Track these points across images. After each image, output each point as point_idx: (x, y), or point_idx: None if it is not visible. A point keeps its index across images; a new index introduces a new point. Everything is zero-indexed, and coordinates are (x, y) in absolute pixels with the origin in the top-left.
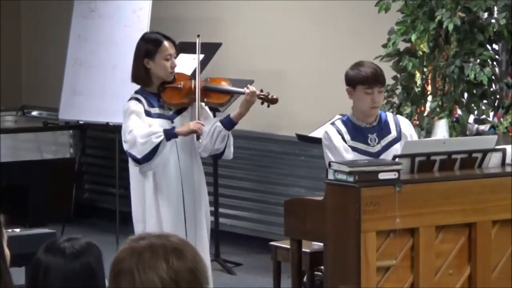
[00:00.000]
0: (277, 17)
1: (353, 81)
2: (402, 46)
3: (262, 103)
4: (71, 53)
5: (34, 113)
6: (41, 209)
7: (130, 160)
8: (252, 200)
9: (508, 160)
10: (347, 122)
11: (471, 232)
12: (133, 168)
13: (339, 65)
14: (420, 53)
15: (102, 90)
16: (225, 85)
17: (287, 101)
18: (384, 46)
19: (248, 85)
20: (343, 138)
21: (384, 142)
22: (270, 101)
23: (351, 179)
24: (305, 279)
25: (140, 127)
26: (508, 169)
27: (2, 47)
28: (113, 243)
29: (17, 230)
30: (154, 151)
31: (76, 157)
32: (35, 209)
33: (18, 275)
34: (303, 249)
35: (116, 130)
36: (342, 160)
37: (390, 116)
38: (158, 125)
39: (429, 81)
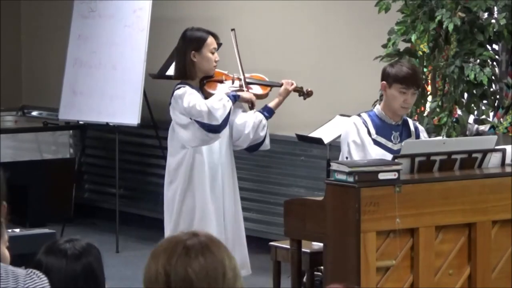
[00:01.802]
0: (277, 17)
1: (391, 78)
2: (402, 46)
3: (299, 95)
4: (71, 53)
5: (34, 113)
6: (41, 209)
7: (171, 156)
8: (252, 200)
9: (508, 160)
10: (373, 116)
11: (471, 232)
12: (177, 164)
13: (339, 65)
14: (420, 53)
15: (102, 90)
16: (264, 80)
17: (287, 101)
18: (384, 46)
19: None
20: (368, 130)
21: None
22: (306, 94)
23: (351, 179)
24: (305, 279)
25: (207, 100)
26: (508, 169)
27: (2, 47)
28: (113, 243)
29: (17, 230)
30: (228, 115)
31: (76, 157)
32: (35, 209)
33: None
34: (303, 249)
35: (116, 130)
36: (342, 160)
37: (410, 122)
38: None
39: (429, 81)
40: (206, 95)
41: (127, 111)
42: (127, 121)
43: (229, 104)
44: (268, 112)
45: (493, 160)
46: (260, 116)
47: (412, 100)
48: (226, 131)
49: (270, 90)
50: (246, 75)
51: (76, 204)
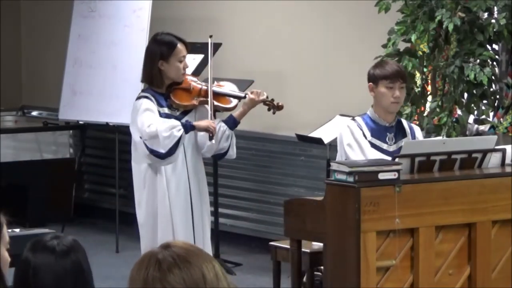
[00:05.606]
0: (277, 17)
1: (375, 77)
2: (402, 46)
3: (268, 110)
4: (71, 53)
5: (34, 113)
6: (41, 209)
7: (135, 163)
8: (252, 200)
9: (508, 160)
10: (366, 119)
11: (471, 232)
12: (139, 171)
13: (339, 65)
14: (420, 53)
15: (102, 90)
16: (231, 90)
17: (287, 101)
18: (384, 46)
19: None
20: (363, 134)
21: (400, 143)
22: (276, 107)
23: (351, 179)
24: (304, 279)
25: (160, 122)
26: (508, 169)
27: (2, 47)
28: (113, 243)
29: (17, 230)
30: (176, 145)
31: (76, 157)
32: (35, 209)
33: None
34: (303, 249)
35: (116, 130)
36: (342, 160)
37: (404, 122)
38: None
39: (429, 81)
40: (171, 103)
41: (127, 111)
42: (127, 121)
43: (179, 133)
44: (232, 122)
45: (493, 160)
46: (223, 127)
47: (401, 94)
48: (191, 139)
49: (240, 101)
50: (215, 83)
51: (76, 204)
